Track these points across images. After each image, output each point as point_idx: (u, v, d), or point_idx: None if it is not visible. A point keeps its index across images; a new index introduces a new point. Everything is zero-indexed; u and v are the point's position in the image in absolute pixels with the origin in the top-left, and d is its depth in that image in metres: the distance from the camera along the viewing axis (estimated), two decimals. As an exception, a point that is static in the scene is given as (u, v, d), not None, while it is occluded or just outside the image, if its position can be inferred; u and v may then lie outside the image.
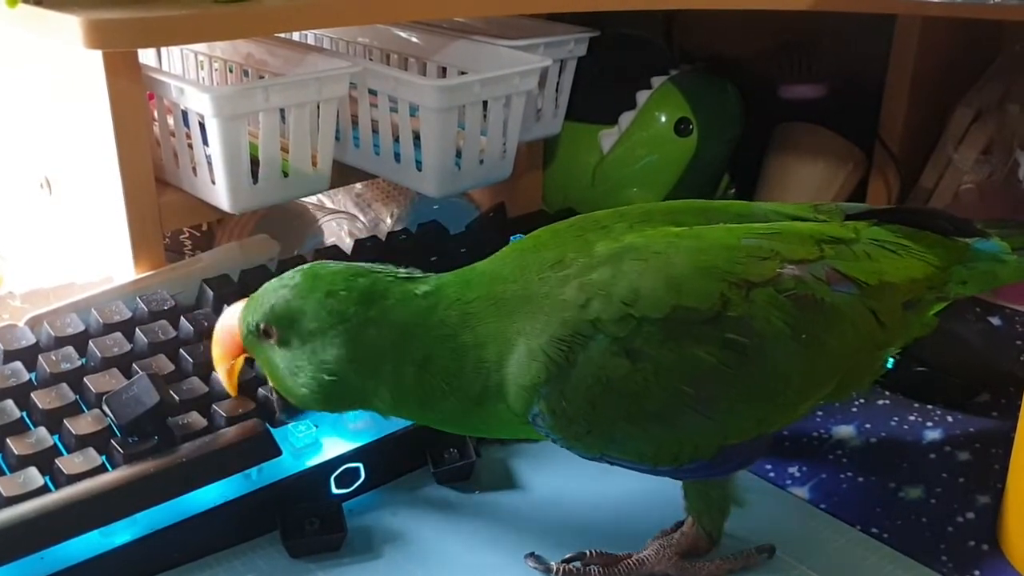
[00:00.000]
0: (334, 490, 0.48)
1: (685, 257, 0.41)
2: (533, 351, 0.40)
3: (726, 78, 0.79)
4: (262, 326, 0.43)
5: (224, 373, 0.47)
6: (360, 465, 0.48)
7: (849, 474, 0.52)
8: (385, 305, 0.42)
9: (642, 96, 0.76)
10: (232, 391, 0.48)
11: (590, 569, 0.45)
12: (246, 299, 0.45)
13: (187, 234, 0.73)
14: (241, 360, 0.47)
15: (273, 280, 0.44)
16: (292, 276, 0.44)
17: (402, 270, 0.44)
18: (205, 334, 0.52)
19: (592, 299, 0.40)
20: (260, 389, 0.49)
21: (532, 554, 0.45)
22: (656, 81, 0.77)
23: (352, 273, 0.43)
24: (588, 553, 0.45)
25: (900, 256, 0.45)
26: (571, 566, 0.45)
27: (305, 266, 0.44)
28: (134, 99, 0.55)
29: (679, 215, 0.45)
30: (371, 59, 0.73)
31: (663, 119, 0.76)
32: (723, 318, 0.40)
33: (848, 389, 0.46)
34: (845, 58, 0.81)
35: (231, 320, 0.46)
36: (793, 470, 0.52)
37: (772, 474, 0.51)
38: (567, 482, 0.50)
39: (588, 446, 0.41)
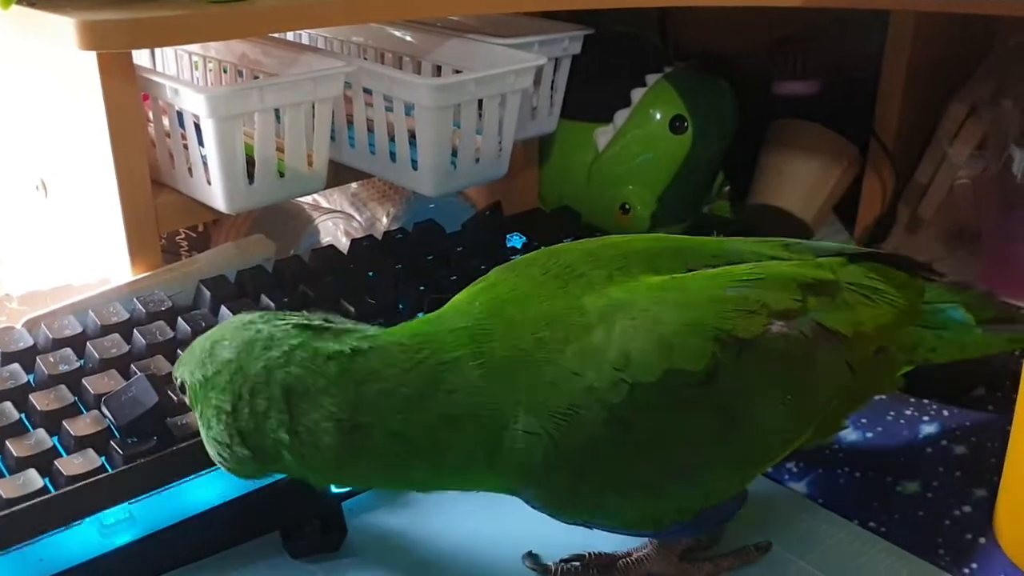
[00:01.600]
0: (334, 491, 0.48)
1: (673, 314, 0.39)
2: (532, 426, 0.38)
3: (720, 75, 0.79)
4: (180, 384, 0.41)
5: None
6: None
7: (846, 469, 0.52)
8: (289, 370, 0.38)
9: (637, 94, 0.77)
10: None
11: (589, 570, 0.45)
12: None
13: (183, 235, 0.73)
14: None
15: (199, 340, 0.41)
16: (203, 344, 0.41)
17: (320, 321, 0.40)
18: (202, 334, 0.52)
19: (587, 367, 0.38)
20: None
21: (529, 553, 0.46)
22: (651, 79, 0.77)
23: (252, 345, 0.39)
24: (587, 555, 0.45)
25: (874, 303, 0.45)
26: (569, 566, 0.45)
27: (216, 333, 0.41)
28: (129, 100, 0.55)
29: (656, 260, 0.43)
30: (366, 58, 0.73)
31: (658, 117, 0.76)
32: (715, 381, 0.39)
33: (817, 437, 0.45)
34: (839, 54, 0.81)
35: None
36: (790, 465, 0.52)
37: (769, 469, 0.52)
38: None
39: (572, 515, 0.40)
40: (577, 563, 0.45)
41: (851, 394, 0.45)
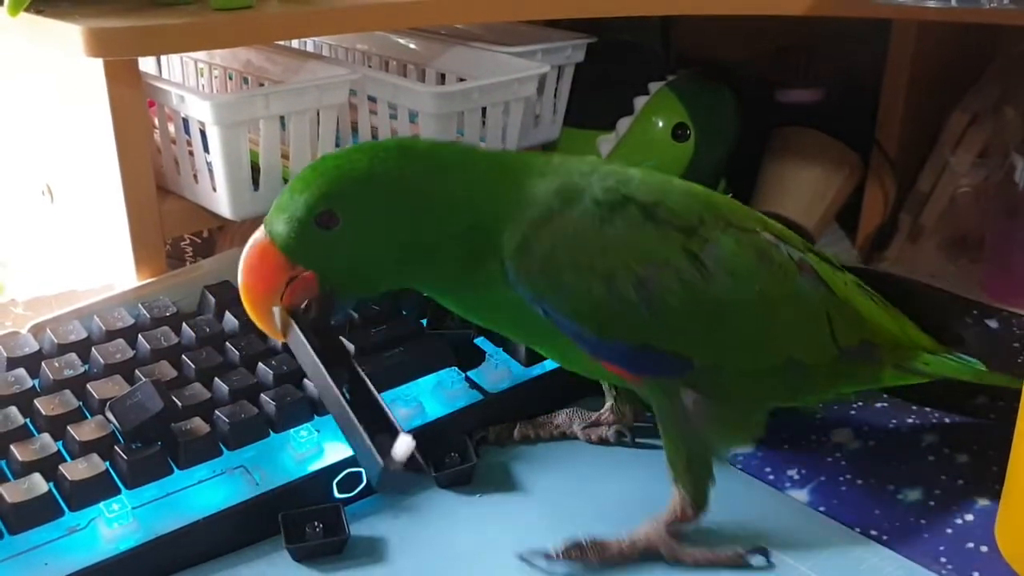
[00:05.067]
0: (336, 495, 0.48)
1: (683, 185, 0.47)
2: (535, 198, 0.44)
3: (723, 83, 0.79)
4: (319, 213, 0.43)
5: (265, 316, 0.45)
6: (362, 470, 0.49)
7: (848, 476, 0.52)
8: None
9: (639, 102, 0.77)
10: (283, 334, 0.45)
11: (587, 553, 0.45)
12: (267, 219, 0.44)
13: (188, 241, 0.73)
14: (284, 294, 0.44)
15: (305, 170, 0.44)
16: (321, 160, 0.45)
17: None
18: (206, 340, 0.53)
19: (593, 176, 0.45)
20: (262, 395, 0.49)
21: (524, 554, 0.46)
22: (653, 87, 0.77)
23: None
24: (583, 542, 0.46)
25: (875, 303, 0.49)
26: (570, 548, 0.45)
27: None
28: (135, 107, 0.55)
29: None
30: (370, 66, 0.73)
31: (660, 124, 0.76)
32: (695, 235, 0.45)
33: (796, 390, 0.48)
34: (841, 63, 0.82)
35: (260, 239, 0.44)
36: (792, 473, 0.52)
37: (771, 477, 0.52)
38: (567, 485, 0.51)
39: (535, 285, 0.44)
40: (576, 547, 0.46)
41: (828, 355, 0.47)
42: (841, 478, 0.52)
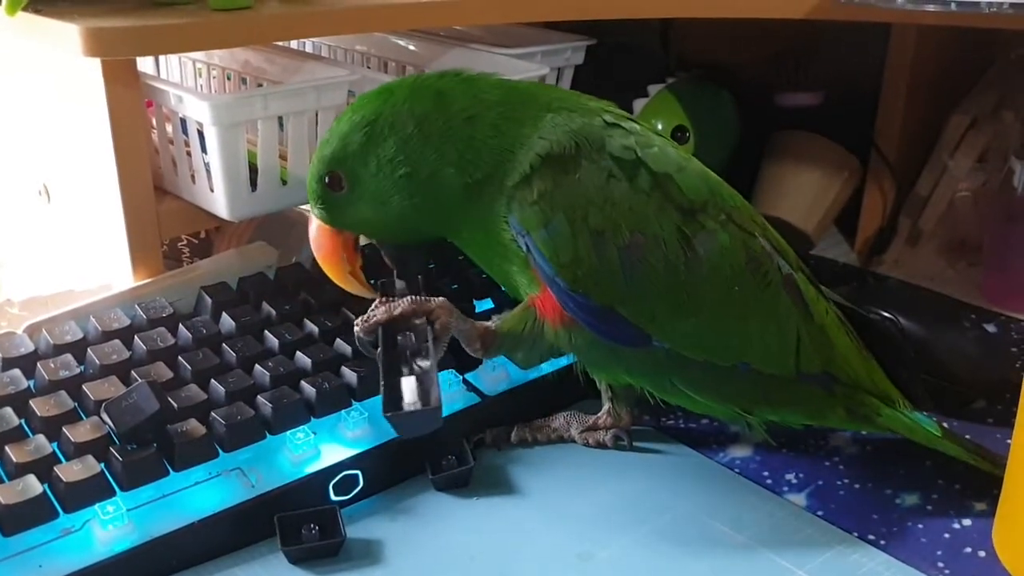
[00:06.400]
0: (332, 497, 0.48)
1: (699, 168, 0.48)
2: (546, 132, 0.46)
3: (722, 86, 0.79)
4: (326, 179, 0.48)
5: (346, 280, 0.51)
6: (359, 472, 0.49)
7: (846, 481, 0.52)
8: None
9: (639, 104, 0.77)
10: (364, 288, 0.52)
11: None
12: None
13: (185, 241, 0.73)
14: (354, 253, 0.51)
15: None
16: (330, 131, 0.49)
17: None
18: (203, 341, 0.52)
19: (616, 130, 0.46)
20: (259, 397, 0.49)
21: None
22: (652, 89, 0.77)
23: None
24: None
25: (851, 340, 0.50)
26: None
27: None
28: (132, 107, 0.55)
29: None
30: (369, 67, 0.73)
31: (660, 127, 0.76)
32: (693, 219, 0.45)
33: (738, 396, 0.49)
34: (841, 66, 0.82)
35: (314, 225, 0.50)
36: (790, 476, 0.52)
37: (769, 481, 0.52)
38: (564, 488, 0.51)
39: (525, 217, 0.45)
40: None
41: (781, 381, 0.48)
42: (839, 482, 0.52)
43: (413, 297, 0.48)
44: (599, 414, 0.54)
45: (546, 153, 0.45)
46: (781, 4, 0.64)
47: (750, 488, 0.51)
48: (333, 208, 0.49)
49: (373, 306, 0.48)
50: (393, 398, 0.44)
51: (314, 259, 0.52)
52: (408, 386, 0.45)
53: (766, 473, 0.52)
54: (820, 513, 0.49)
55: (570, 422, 0.54)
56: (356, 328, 0.48)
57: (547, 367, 0.55)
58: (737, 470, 0.52)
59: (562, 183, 0.45)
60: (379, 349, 0.46)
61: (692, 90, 0.77)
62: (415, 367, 0.46)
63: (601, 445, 0.54)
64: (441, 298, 0.48)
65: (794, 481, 0.52)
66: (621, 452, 0.54)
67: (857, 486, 0.51)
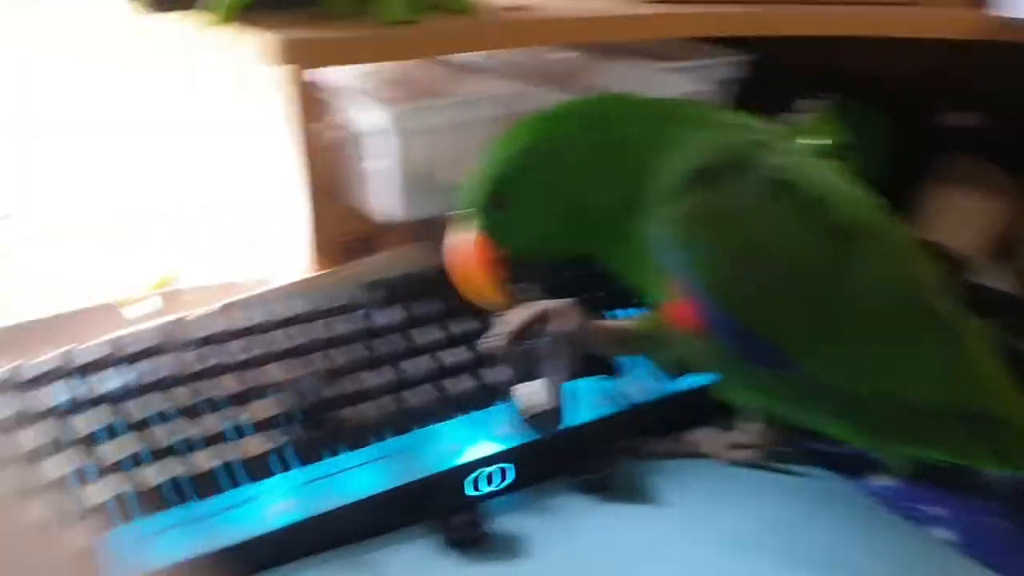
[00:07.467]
0: (479, 490, 0.50)
1: (853, 189, 0.47)
2: (694, 149, 0.46)
3: (877, 105, 0.77)
4: (491, 196, 0.49)
5: (493, 287, 0.51)
6: (506, 467, 0.50)
7: (998, 518, 0.50)
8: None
9: (790, 121, 0.76)
10: (506, 301, 0.52)
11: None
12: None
13: (352, 240, 0.76)
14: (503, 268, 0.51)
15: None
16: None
17: None
18: (370, 333, 0.55)
19: (769, 149, 0.46)
20: (417, 388, 0.52)
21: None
22: (805, 105, 0.76)
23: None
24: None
25: (1008, 374, 0.47)
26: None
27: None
28: (311, 113, 0.59)
29: None
30: (523, 80, 0.75)
31: (812, 145, 0.75)
32: (847, 242, 0.44)
33: (879, 430, 0.47)
34: (1006, 88, 0.78)
35: (466, 231, 0.50)
36: (937, 510, 0.51)
37: (915, 513, 0.51)
38: (702, 502, 0.51)
39: (673, 235, 0.45)
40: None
41: (930, 414, 0.46)
42: (990, 520, 0.50)
43: (546, 302, 0.50)
44: (744, 431, 0.54)
45: (697, 170, 0.45)
46: (942, 23, 0.62)
47: (893, 520, 0.50)
48: (493, 224, 0.50)
49: (508, 312, 0.50)
50: (520, 399, 0.48)
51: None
52: (532, 388, 0.49)
53: (911, 505, 0.51)
54: (968, 551, 0.48)
55: (714, 437, 0.55)
56: (491, 335, 0.50)
57: (695, 380, 0.56)
58: (880, 499, 0.51)
59: (712, 201, 0.44)
60: (513, 352, 0.50)
61: (845, 110, 0.76)
62: (545, 369, 0.49)
63: (742, 463, 0.54)
64: (571, 299, 0.51)
65: (942, 515, 0.50)
66: (761, 472, 0.53)
67: (1011, 526, 0.50)
